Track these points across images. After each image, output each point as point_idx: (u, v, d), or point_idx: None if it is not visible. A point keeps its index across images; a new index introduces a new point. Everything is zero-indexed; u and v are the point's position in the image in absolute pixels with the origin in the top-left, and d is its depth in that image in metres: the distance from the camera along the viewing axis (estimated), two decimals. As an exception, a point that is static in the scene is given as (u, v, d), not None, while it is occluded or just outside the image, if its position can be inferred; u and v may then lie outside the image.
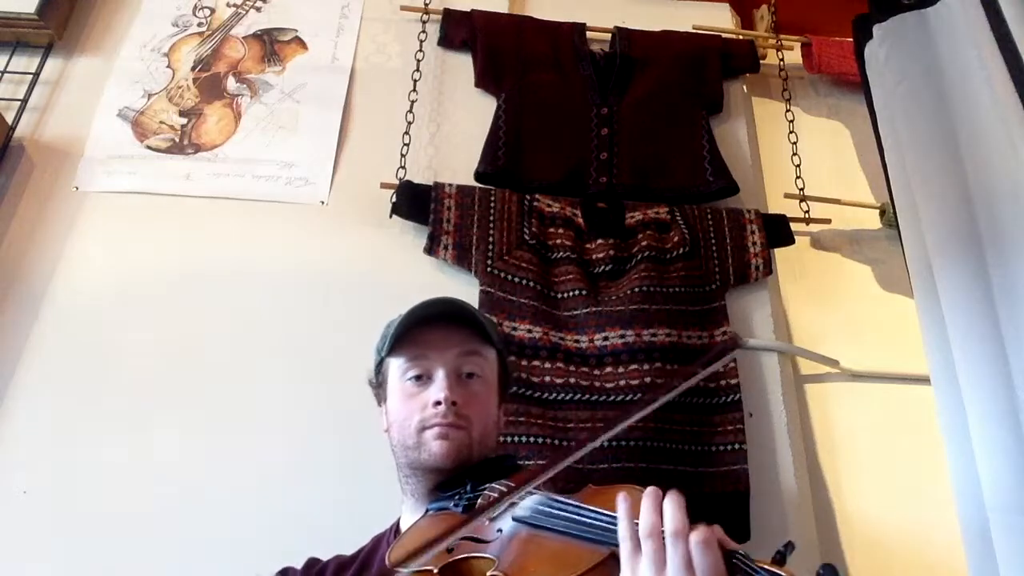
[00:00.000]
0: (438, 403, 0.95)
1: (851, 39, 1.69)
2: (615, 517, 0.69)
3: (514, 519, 0.79)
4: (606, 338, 1.49)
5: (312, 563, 1.04)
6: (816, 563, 0.61)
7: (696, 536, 0.63)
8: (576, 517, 0.75)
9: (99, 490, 1.36)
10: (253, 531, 1.33)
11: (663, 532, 0.64)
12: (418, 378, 0.98)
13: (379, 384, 1.05)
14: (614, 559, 0.68)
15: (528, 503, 0.80)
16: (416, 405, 0.97)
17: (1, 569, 1.30)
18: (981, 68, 1.33)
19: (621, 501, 0.69)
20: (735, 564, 0.63)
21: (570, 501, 0.78)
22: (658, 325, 1.50)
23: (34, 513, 1.34)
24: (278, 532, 1.31)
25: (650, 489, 0.68)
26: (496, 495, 0.81)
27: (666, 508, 0.66)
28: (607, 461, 1.40)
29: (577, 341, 1.50)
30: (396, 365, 1.01)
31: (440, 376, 0.97)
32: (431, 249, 1.59)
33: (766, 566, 0.61)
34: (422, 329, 1.00)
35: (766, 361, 1.60)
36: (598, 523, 0.72)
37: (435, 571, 0.76)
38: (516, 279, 1.55)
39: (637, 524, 0.66)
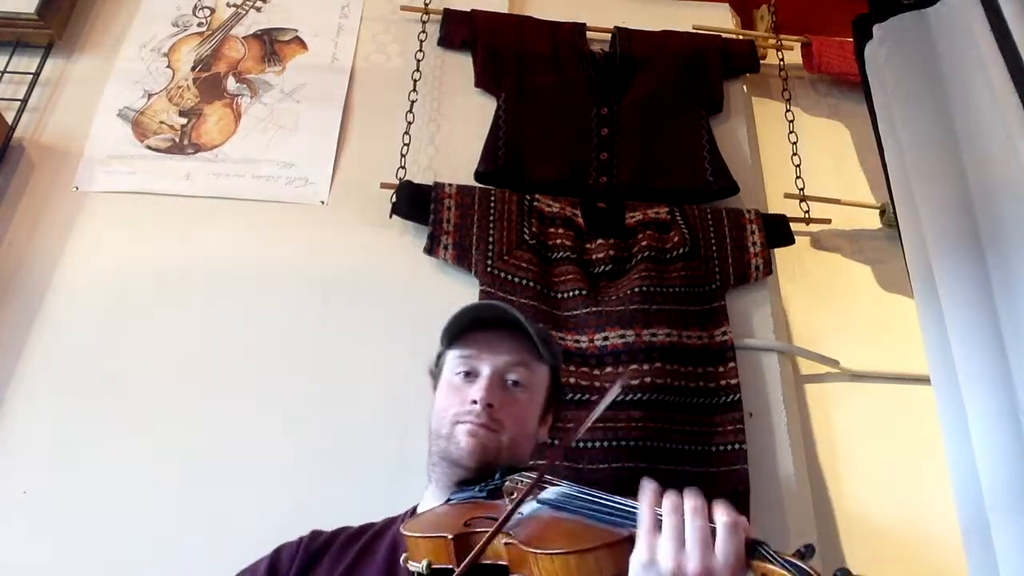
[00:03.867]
0: (475, 402, 0.98)
1: (851, 39, 1.69)
2: (635, 507, 0.71)
3: (539, 502, 0.82)
4: (606, 338, 1.49)
5: (316, 534, 1.05)
6: (817, 564, 0.62)
7: (723, 518, 0.65)
8: (598, 502, 0.77)
9: (99, 490, 1.36)
10: (253, 531, 1.33)
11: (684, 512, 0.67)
12: (467, 375, 1.02)
13: (436, 374, 1.08)
14: (629, 542, 0.69)
15: (554, 490, 0.83)
16: (457, 399, 1.00)
17: (1, 569, 1.30)
18: (981, 68, 1.33)
19: (645, 483, 0.71)
20: (757, 551, 0.64)
21: (595, 491, 0.80)
22: (658, 325, 1.50)
23: (34, 513, 1.34)
24: (278, 531, 1.31)
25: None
26: (527, 483, 0.83)
27: (687, 491, 0.68)
28: (607, 461, 1.40)
29: (577, 341, 1.50)
30: (451, 358, 1.05)
31: (484, 376, 1.00)
32: (431, 249, 1.59)
33: (786, 556, 0.62)
34: (483, 330, 1.04)
35: (766, 361, 1.60)
36: (618, 508, 0.74)
37: (449, 537, 0.79)
38: (516, 279, 1.55)
39: (658, 511, 0.69)
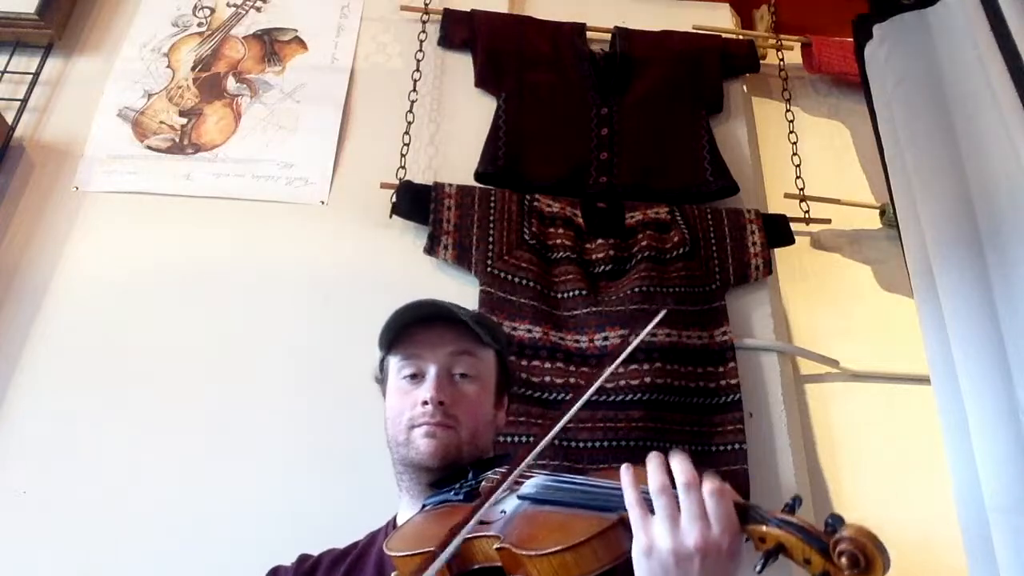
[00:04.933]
0: (426, 402, 0.96)
1: (851, 39, 1.69)
2: (620, 488, 0.70)
3: (519, 498, 0.80)
4: (606, 338, 1.49)
5: (304, 559, 1.04)
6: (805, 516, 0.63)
7: (708, 486, 0.65)
8: (583, 489, 0.76)
9: (99, 490, 1.36)
10: (253, 529, 1.33)
11: (673, 489, 0.66)
12: (412, 377, 1.00)
13: (382, 381, 1.07)
14: (623, 524, 0.69)
15: (533, 482, 0.81)
16: (408, 403, 0.99)
17: (1, 569, 1.30)
18: (981, 68, 1.33)
19: (624, 470, 0.70)
20: (748, 515, 0.65)
21: (575, 476, 0.79)
22: (658, 325, 1.50)
23: (34, 513, 1.34)
24: (278, 530, 1.31)
25: (653, 454, 0.70)
26: (499, 478, 0.81)
27: (674, 464, 0.68)
28: (607, 461, 1.40)
29: (577, 341, 1.50)
30: (393, 362, 1.03)
31: (431, 375, 0.98)
32: (431, 249, 1.59)
33: (777, 514, 0.63)
34: (418, 328, 1.02)
35: (766, 361, 1.60)
36: (605, 493, 0.73)
37: (435, 551, 0.76)
38: (516, 279, 1.55)
39: (643, 490, 0.68)
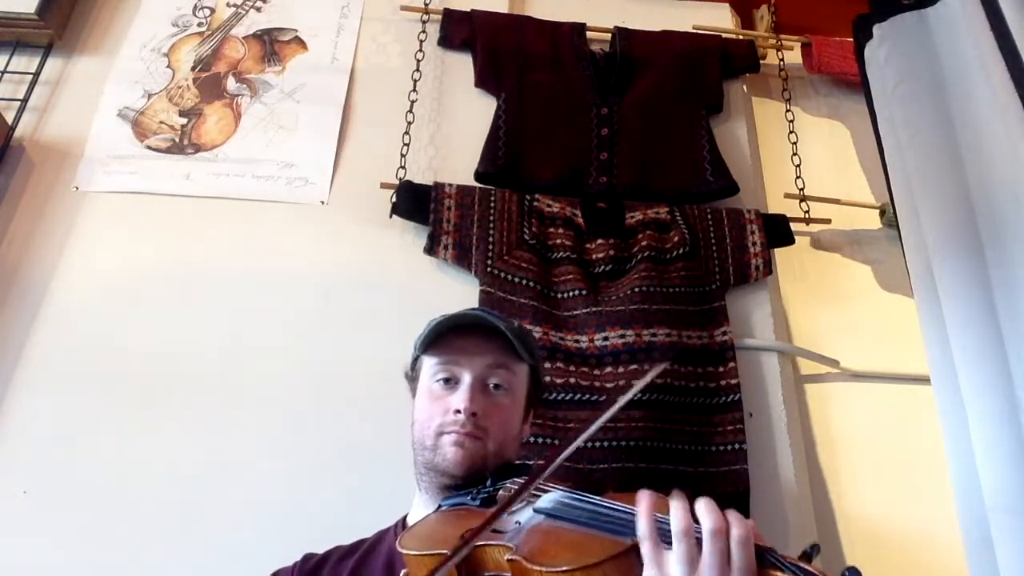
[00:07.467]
0: (458, 411, 0.97)
1: (851, 39, 1.69)
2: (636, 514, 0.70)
3: (535, 510, 0.80)
4: (606, 338, 1.49)
5: (308, 557, 1.04)
6: (818, 564, 0.62)
7: (737, 533, 0.64)
8: (599, 509, 0.76)
9: (99, 490, 1.36)
10: (254, 530, 1.33)
11: (696, 533, 0.65)
12: (446, 381, 1.01)
13: (413, 379, 1.07)
14: (636, 551, 0.68)
15: (550, 496, 0.81)
16: (439, 408, 0.99)
17: (1, 569, 1.30)
18: (981, 68, 1.33)
19: (642, 497, 0.69)
20: (765, 559, 0.64)
21: (593, 496, 0.78)
22: (658, 325, 1.50)
23: (34, 513, 1.34)
24: (279, 531, 1.32)
25: (677, 492, 0.69)
26: (517, 488, 0.82)
27: (702, 507, 0.67)
28: (607, 461, 1.40)
29: (577, 341, 1.50)
30: (428, 364, 1.03)
31: (465, 384, 0.99)
32: (431, 249, 1.59)
33: (795, 562, 0.62)
34: (458, 334, 1.02)
35: (766, 361, 1.60)
36: (621, 516, 0.72)
37: (450, 553, 0.77)
38: (516, 279, 1.55)
39: (658, 522, 0.67)
